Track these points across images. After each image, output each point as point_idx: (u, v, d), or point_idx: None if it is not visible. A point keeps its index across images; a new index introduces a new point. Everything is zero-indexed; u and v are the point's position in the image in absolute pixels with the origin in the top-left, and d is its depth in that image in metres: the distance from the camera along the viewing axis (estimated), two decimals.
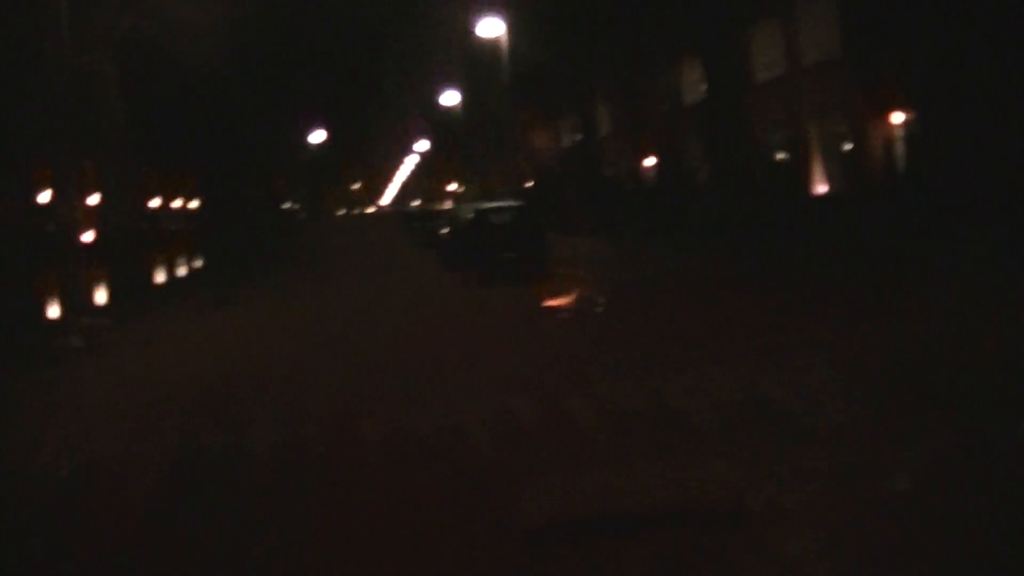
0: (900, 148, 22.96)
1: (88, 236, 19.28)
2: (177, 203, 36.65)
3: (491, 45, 41.00)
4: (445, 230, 28.95)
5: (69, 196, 17.46)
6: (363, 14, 48.98)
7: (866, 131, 23.38)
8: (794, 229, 23.67)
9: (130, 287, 22.60)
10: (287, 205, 72.36)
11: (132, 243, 22.67)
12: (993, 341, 9.41)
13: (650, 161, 38.27)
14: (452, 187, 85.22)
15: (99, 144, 20.33)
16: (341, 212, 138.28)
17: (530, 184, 55.66)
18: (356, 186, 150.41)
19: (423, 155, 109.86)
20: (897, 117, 22.70)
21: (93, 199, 20.68)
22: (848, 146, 24.66)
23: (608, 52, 39.78)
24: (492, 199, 46.45)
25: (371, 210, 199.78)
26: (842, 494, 5.52)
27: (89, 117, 17.91)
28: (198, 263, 33.43)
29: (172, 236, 34.40)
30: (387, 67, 59.96)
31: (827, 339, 10.12)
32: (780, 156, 28.51)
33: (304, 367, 11.22)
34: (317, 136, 67.64)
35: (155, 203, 31.89)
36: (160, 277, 26.75)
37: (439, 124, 76.86)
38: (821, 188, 26.27)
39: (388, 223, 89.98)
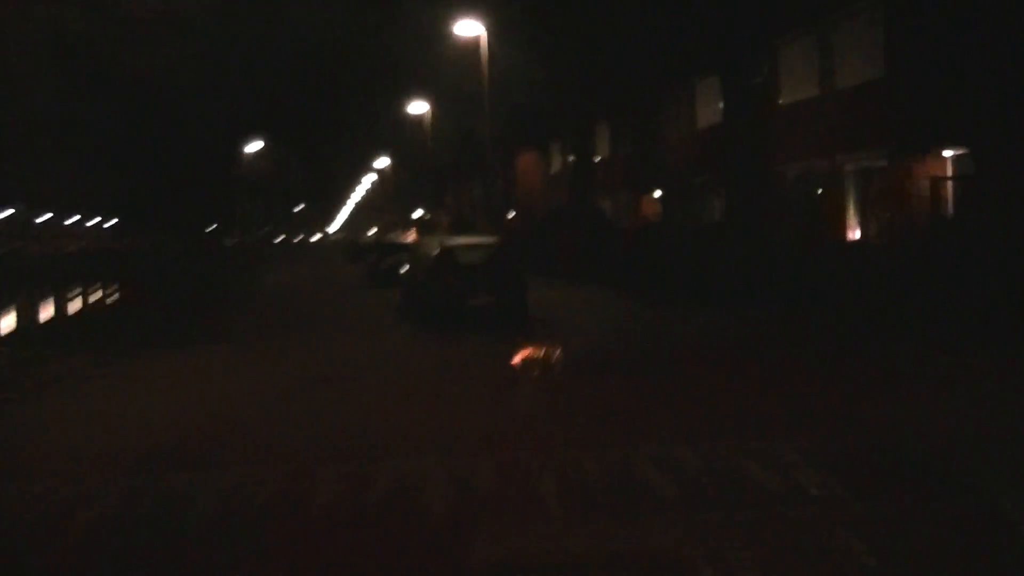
0: (950, 191, 23.91)
1: None
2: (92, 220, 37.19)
3: (470, 47, 42.09)
4: (404, 268, 29.58)
5: None
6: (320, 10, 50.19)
7: (910, 168, 24.29)
8: (816, 286, 24.50)
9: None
10: (214, 227, 72.83)
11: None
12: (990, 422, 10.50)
13: (655, 193, 39.21)
14: (417, 214, 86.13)
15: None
16: (279, 239, 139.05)
17: (511, 216, 56.59)
18: (299, 208, 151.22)
19: (382, 173, 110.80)
20: (947, 152, 23.65)
21: None
22: (886, 184, 25.59)
23: (610, 62, 40.88)
24: (464, 231, 47.38)
25: (317, 237, 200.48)
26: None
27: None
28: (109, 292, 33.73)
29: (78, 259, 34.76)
30: (343, 67, 60.80)
31: (816, 414, 11.13)
32: (806, 193, 29.47)
33: (245, 429, 11.74)
34: (253, 146, 68.11)
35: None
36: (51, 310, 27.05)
37: (404, 137, 77.78)
38: (854, 234, 27.19)
39: (337, 255, 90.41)
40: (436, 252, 24.13)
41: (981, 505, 7.81)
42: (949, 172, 23.96)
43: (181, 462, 10.06)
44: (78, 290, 29.65)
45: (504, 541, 7.41)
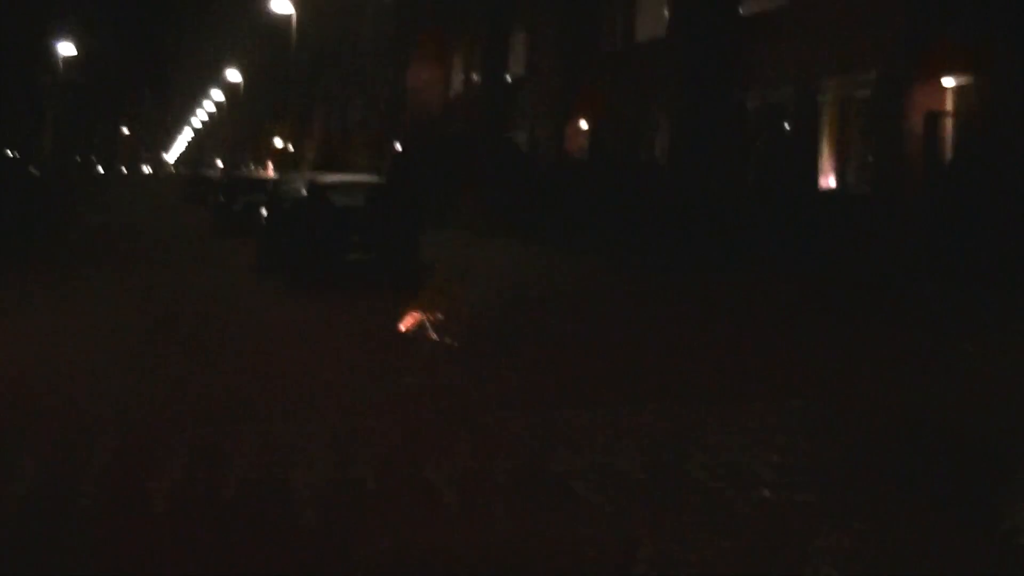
0: (950, 128, 24.20)
1: None
2: None
3: None
4: (264, 212, 29.30)
5: None
6: None
7: (903, 99, 24.52)
8: (778, 243, 24.77)
9: None
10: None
11: None
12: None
13: (583, 124, 39.26)
14: (277, 144, 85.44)
15: None
16: (98, 170, 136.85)
17: (400, 149, 56.32)
18: (125, 131, 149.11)
19: (232, 92, 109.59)
20: (948, 81, 23.93)
21: None
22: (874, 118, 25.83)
23: None
24: (338, 168, 47.04)
25: (147, 169, 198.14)
26: None
27: None
28: None
29: None
30: None
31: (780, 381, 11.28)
32: (772, 126, 29.67)
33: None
34: (62, 49, 66.77)
35: None
36: None
37: (261, 45, 76.82)
38: (827, 181, 27.45)
39: (174, 191, 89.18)
40: (302, 192, 23.92)
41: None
42: (949, 106, 24.24)
43: None
44: None
45: (393, 530, 7.50)
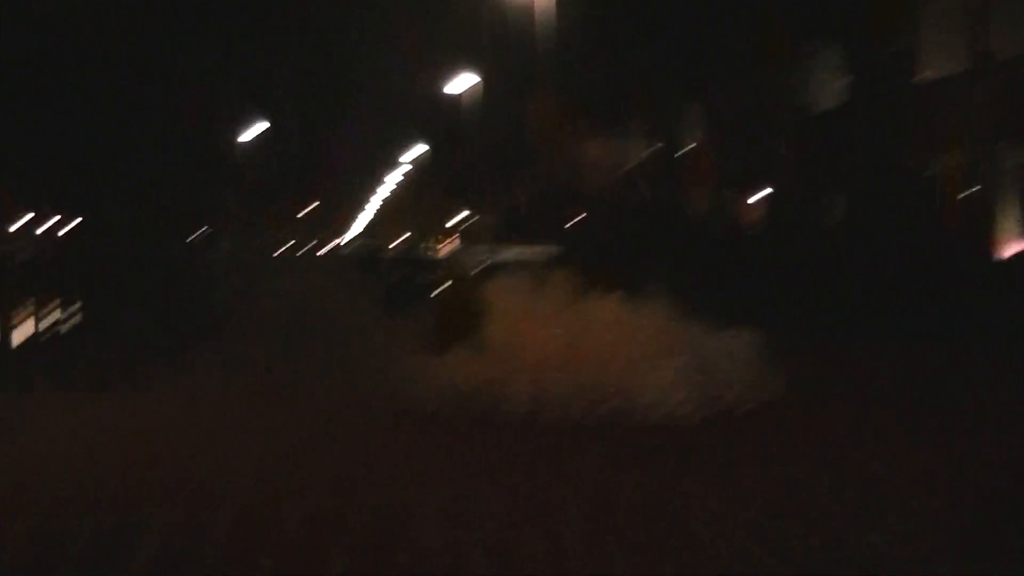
0: None
1: None
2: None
3: (525, 11, 42.42)
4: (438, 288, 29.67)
5: None
6: None
7: None
8: (960, 312, 24.44)
9: None
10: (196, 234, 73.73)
11: None
12: None
13: (757, 194, 39.27)
14: (462, 215, 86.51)
15: None
16: (285, 247, 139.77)
17: (579, 217, 56.73)
18: (312, 207, 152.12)
19: (416, 163, 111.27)
20: None
21: None
22: None
23: (702, 31, 41.00)
24: (519, 238, 47.44)
25: (331, 245, 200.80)
26: None
27: None
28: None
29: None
30: (366, 33, 61.26)
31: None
32: (951, 194, 29.38)
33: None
34: (253, 131, 68.67)
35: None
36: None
37: (442, 120, 77.95)
38: (1011, 248, 27.05)
39: (350, 268, 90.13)
40: (477, 269, 24.23)
41: None
42: None
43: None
44: (29, 310, 30.12)
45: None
